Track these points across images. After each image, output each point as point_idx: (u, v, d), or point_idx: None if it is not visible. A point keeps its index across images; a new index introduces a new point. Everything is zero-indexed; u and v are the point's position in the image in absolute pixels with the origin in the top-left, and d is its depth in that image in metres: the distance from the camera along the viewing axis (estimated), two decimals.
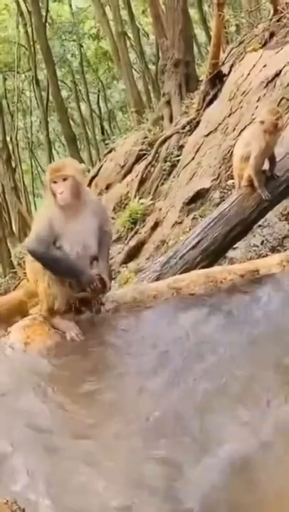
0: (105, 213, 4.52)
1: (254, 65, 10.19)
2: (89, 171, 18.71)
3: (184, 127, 12.67)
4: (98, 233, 4.16)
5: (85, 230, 4.10)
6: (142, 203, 12.06)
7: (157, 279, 6.06)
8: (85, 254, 4.10)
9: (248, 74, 10.07)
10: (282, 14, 10.87)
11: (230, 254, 7.37)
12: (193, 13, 24.33)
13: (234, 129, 9.74)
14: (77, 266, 4.04)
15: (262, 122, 5.80)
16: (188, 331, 4.14)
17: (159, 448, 2.87)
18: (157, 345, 4.01)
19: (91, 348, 4.04)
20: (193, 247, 6.40)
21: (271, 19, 11.34)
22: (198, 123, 11.79)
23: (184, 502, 2.48)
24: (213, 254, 6.31)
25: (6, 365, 3.86)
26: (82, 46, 31.68)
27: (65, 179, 3.98)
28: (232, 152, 9.35)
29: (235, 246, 7.05)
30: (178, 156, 12.20)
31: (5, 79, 32.54)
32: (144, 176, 13.11)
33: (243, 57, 10.95)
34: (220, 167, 9.68)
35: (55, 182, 3.98)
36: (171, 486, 2.58)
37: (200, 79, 14.32)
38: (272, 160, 6.02)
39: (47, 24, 26.96)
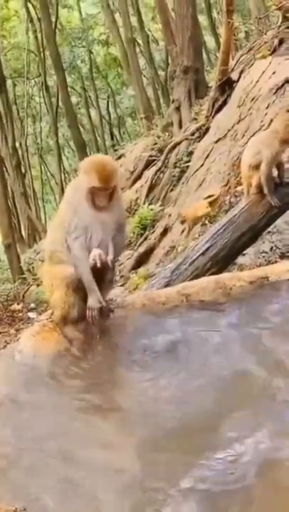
0: (124, 219, 4.47)
1: (263, 72, 10.21)
2: None
3: (193, 133, 12.70)
4: (115, 237, 4.12)
5: (106, 230, 4.06)
6: (151, 209, 12.07)
7: (167, 285, 6.07)
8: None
9: (258, 81, 10.09)
10: None
11: (240, 260, 7.36)
12: (203, 19, 24.38)
13: (243, 136, 9.75)
14: (94, 284, 4.01)
15: (276, 131, 5.83)
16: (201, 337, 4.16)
17: None
18: (168, 351, 4.03)
19: (100, 355, 4.06)
20: (203, 254, 6.41)
21: (280, 26, 11.36)
22: (207, 129, 11.82)
23: None
24: (223, 260, 6.32)
25: (15, 371, 3.88)
26: (91, 52, 31.77)
27: (109, 190, 3.95)
28: (241, 159, 9.39)
29: (244, 252, 7.05)
30: (187, 162, 12.22)
31: (15, 85, 32.67)
32: (153, 182, 13.13)
33: (252, 64, 10.98)
34: (229, 173, 9.69)
35: (99, 190, 3.93)
36: None
37: (209, 85, 14.35)
38: (280, 167, 6.05)
39: (56, 30, 27.05)
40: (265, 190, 6.03)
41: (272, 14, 13.46)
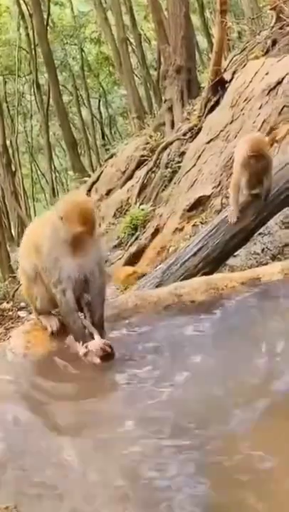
0: (103, 258, 4.56)
1: (256, 73, 10.20)
2: (89, 176, 18.74)
3: (185, 134, 12.68)
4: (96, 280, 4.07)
5: (88, 275, 4.02)
6: (142, 209, 12.04)
7: (158, 285, 6.06)
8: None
9: (250, 81, 10.08)
10: (284, 22, 10.89)
11: (231, 261, 7.36)
12: (195, 19, 24.38)
13: (236, 136, 9.74)
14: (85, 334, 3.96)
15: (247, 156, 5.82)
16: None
17: None
18: (159, 352, 4.00)
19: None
20: (194, 254, 6.41)
21: (273, 27, 11.36)
22: (199, 130, 11.80)
23: None
24: (214, 261, 6.32)
25: (6, 370, 3.86)
26: (83, 50, 31.69)
27: (93, 236, 3.92)
28: (234, 159, 9.38)
29: (235, 254, 7.05)
30: (179, 162, 12.20)
31: (5, 82, 32.54)
32: (144, 182, 13.10)
33: (245, 65, 10.97)
34: (221, 174, 9.68)
35: (82, 236, 3.87)
36: None
37: (202, 85, 14.35)
38: (261, 182, 6.05)
39: (48, 28, 26.96)
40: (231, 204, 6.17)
41: (265, 15, 13.48)
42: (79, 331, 3.95)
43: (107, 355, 3.83)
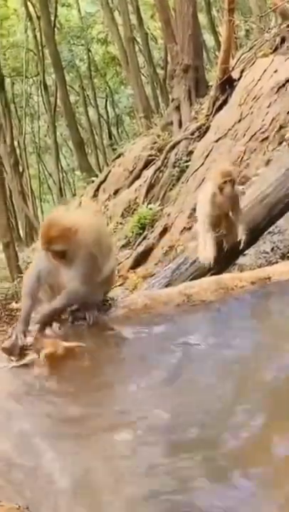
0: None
1: (265, 71, 10.15)
2: (96, 176, 18.70)
3: (193, 133, 12.62)
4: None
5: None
6: (150, 209, 11.99)
7: (167, 285, 6.02)
8: None
9: (259, 79, 10.03)
10: None
11: (240, 260, 7.31)
12: (202, 18, 24.30)
13: (244, 135, 9.69)
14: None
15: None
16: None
17: None
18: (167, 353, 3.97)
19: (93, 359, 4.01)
20: None
21: (281, 24, 11.31)
22: (207, 128, 11.74)
23: None
24: (224, 260, 6.26)
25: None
26: (90, 51, 31.69)
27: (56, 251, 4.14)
28: (242, 158, 9.34)
29: (245, 252, 6.99)
30: (187, 161, 12.14)
31: (13, 83, 32.59)
32: (152, 181, 13.04)
33: (253, 63, 10.91)
34: None
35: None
36: None
37: (209, 84, 14.27)
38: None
39: (55, 29, 26.96)
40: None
41: (272, 13, 13.40)
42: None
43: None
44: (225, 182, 5.72)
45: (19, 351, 3.93)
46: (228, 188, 5.73)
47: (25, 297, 4.26)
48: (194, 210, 10.07)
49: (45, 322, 4.08)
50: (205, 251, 5.96)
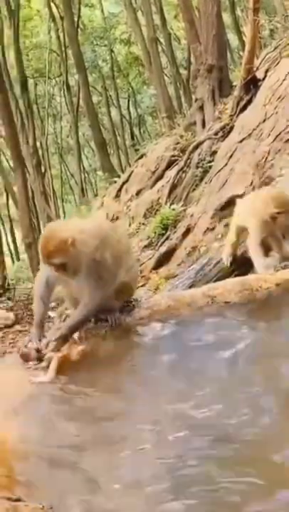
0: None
1: None
2: (119, 176, 18.69)
3: (216, 133, 12.53)
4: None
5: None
6: (173, 209, 11.94)
7: (191, 286, 5.99)
8: None
9: (284, 79, 9.93)
10: None
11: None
12: (226, 17, 24.20)
13: (269, 135, 9.60)
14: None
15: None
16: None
17: None
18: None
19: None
20: None
21: None
22: (231, 129, 11.65)
23: None
24: (248, 261, 6.20)
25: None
26: (113, 51, 31.75)
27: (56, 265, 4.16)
28: (266, 158, 9.24)
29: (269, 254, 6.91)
30: (210, 162, 12.07)
31: (36, 84, 32.76)
32: (175, 181, 12.98)
33: (278, 62, 10.80)
34: (253, 174, 9.54)
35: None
36: None
37: (233, 84, 14.19)
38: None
39: (78, 29, 27.05)
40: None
41: None
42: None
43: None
44: (279, 213, 5.46)
45: (36, 356, 3.97)
46: (282, 218, 5.48)
47: (36, 302, 4.35)
48: (217, 210, 10.04)
49: (66, 338, 4.10)
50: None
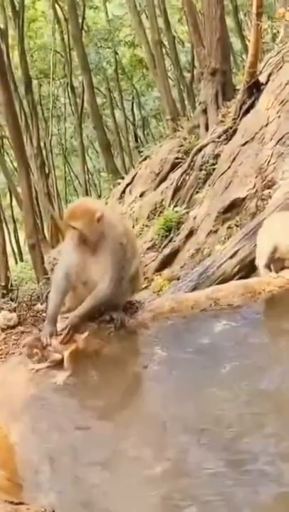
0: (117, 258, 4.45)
1: None
2: (123, 177, 18.75)
3: (220, 136, 12.61)
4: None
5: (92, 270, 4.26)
6: (176, 211, 12.02)
7: (194, 288, 6.05)
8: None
9: (287, 83, 10.00)
10: None
11: None
12: (229, 21, 24.22)
13: (271, 139, 9.68)
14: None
15: None
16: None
17: None
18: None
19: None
20: (231, 257, 6.39)
21: None
22: (234, 132, 11.73)
23: None
24: (251, 264, 6.27)
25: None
26: (117, 53, 31.79)
27: (77, 229, 4.15)
28: (269, 162, 9.31)
29: None
30: (213, 164, 12.15)
31: (40, 85, 32.80)
32: (179, 184, 13.06)
33: (281, 67, 10.88)
34: (256, 177, 9.62)
35: (68, 227, 4.23)
36: None
37: (236, 88, 14.25)
38: None
39: (83, 31, 27.09)
40: None
41: None
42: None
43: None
44: None
45: (42, 353, 3.94)
46: None
47: (54, 294, 4.26)
48: (220, 213, 10.11)
49: (76, 325, 4.08)
50: None
